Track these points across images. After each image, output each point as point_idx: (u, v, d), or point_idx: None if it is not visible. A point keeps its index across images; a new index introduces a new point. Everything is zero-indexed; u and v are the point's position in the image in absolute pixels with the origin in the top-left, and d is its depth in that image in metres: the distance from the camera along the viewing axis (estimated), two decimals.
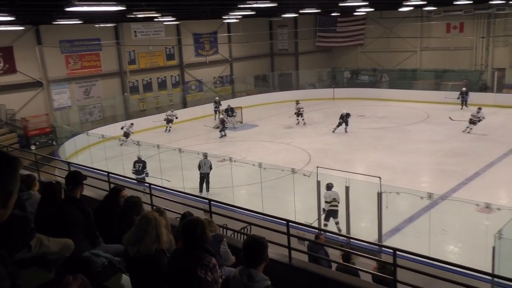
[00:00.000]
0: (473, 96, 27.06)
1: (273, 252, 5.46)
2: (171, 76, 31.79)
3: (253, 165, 13.78)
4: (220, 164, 16.61)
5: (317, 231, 9.80)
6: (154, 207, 7.45)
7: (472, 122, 21.90)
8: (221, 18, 28.84)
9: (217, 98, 29.09)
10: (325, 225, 12.32)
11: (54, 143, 23.45)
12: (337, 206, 12.29)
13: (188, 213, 5.93)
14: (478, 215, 11.23)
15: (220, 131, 24.11)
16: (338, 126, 23.38)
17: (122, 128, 23.11)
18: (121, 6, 13.33)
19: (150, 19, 24.39)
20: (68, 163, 12.57)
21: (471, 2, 26.70)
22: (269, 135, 24.22)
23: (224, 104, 27.89)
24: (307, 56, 37.24)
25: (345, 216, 11.74)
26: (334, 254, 8.53)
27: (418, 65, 34.18)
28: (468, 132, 21.82)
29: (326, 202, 12.31)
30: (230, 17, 27.37)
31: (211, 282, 3.74)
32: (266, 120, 27.55)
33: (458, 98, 27.32)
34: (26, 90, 24.75)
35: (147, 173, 16.36)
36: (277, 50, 38.02)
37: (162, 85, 31.30)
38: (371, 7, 27.49)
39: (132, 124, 23.51)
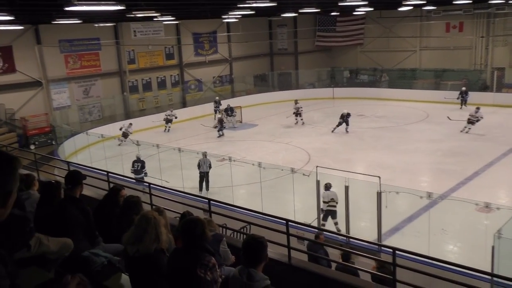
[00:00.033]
0: (473, 96, 27.05)
1: (272, 251, 5.46)
2: (171, 75, 31.78)
3: (253, 164, 13.78)
4: (219, 163, 16.61)
5: (316, 230, 9.80)
6: (154, 207, 7.45)
7: (471, 122, 21.89)
8: (220, 17, 28.84)
9: (217, 98, 29.08)
10: (323, 225, 12.32)
11: (54, 142, 23.45)
12: (335, 206, 12.27)
13: (187, 213, 5.92)
14: (478, 215, 11.24)
15: (218, 131, 24.11)
16: (338, 125, 23.34)
17: (120, 129, 23.08)
18: (121, 6, 13.32)
19: (150, 18, 24.38)
20: (68, 163, 12.57)
21: (470, 1, 26.70)
22: (269, 134, 24.22)
23: (224, 104, 27.89)
24: (307, 55, 37.24)
25: (344, 216, 11.74)
26: (334, 254, 8.53)
27: (417, 65, 34.18)
28: (466, 132, 21.81)
29: (324, 202, 12.31)
30: (230, 16, 27.36)
31: (210, 282, 3.74)
32: (265, 119, 27.55)
33: (458, 98, 27.32)
34: (25, 89, 24.74)
35: (145, 173, 16.38)
36: (276, 50, 38.02)
37: (162, 84, 31.30)
38: (370, 7, 27.48)
39: (130, 124, 23.47)
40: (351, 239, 10.32)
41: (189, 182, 16.04)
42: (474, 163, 17.53)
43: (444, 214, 12.23)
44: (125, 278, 4.27)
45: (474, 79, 30.96)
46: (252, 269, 3.71)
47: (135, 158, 16.70)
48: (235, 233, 9.00)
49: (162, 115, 26.28)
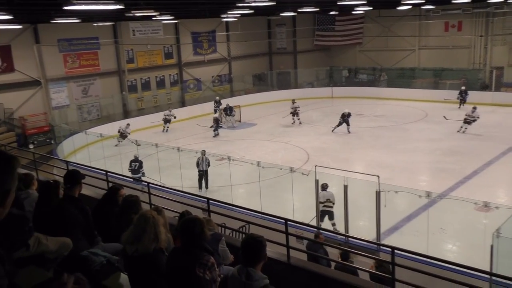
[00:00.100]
0: (472, 95, 27.05)
1: (271, 251, 5.46)
2: (170, 75, 31.76)
3: (252, 164, 13.78)
4: (218, 163, 16.62)
5: (315, 230, 9.80)
6: (153, 206, 7.44)
7: (467, 121, 21.86)
8: (219, 17, 28.82)
9: (217, 97, 29.02)
10: (319, 225, 12.31)
11: (52, 142, 23.43)
12: (331, 207, 12.25)
13: (186, 212, 5.92)
14: (476, 214, 11.26)
15: (214, 130, 24.09)
16: (338, 125, 23.26)
17: (119, 131, 22.99)
18: (120, 5, 13.32)
19: (149, 18, 24.36)
20: (66, 162, 12.59)
21: (469, 1, 26.73)
22: (268, 134, 24.22)
23: (223, 104, 27.87)
24: (306, 54, 37.23)
25: (343, 215, 11.74)
26: (333, 253, 8.53)
27: (416, 64, 34.20)
28: (463, 132, 21.79)
29: (320, 202, 12.28)
30: (229, 16, 27.34)
31: (209, 281, 3.74)
32: (264, 119, 27.55)
33: (458, 98, 27.31)
34: (24, 89, 24.71)
35: (143, 173, 16.40)
36: (275, 49, 38.01)
37: (161, 84, 31.28)
38: (369, 6, 27.49)
39: (128, 124, 23.36)
40: (350, 239, 10.31)
41: (188, 182, 16.05)
42: (473, 162, 17.55)
43: (443, 213, 12.23)
44: (124, 277, 4.27)
45: (473, 78, 30.99)
46: (251, 268, 3.72)
47: (132, 158, 16.73)
48: (234, 232, 9.00)
49: (161, 115, 26.21)
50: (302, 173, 12.55)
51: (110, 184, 8.20)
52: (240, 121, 27.15)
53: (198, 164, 16.00)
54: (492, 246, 7.91)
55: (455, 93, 27.72)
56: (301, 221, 7.94)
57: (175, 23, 30.05)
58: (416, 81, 33.01)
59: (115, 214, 5.51)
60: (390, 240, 11.28)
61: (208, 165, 16.05)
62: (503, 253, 7.97)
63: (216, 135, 24.07)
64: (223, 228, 8.84)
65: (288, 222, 6.43)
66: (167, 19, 25.72)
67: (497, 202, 11.04)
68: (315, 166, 12.09)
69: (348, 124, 23.08)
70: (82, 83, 27.42)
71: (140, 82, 30.20)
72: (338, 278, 5.55)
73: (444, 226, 12.07)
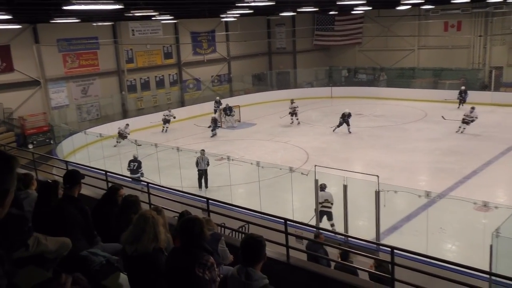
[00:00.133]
0: (471, 95, 27.06)
1: (271, 250, 5.46)
2: (169, 74, 31.75)
3: (251, 163, 13.78)
4: (218, 162, 16.62)
5: (315, 230, 9.79)
6: (152, 206, 7.44)
7: (465, 121, 21.83)
8: (219, 16, 28.82)
9: (217, 97, 28.98)
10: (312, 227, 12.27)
11: (52, 142, 23.43)
12: (330, 207, 12.23)
13: (186, 212, 5.92)
14: (476, 214, 11.25)
15: (212, 130, 24.07)
16: (338, 126, 23.18)
17: (119, 132, 22.92)
18: (119, 5, 13.32)
19: (148, 17, 24.35)
20: (66, 162, 12.58)
21: (468, 0, 26.75)
22: (267, 133, 24.23)
23: (223, 103, 27.84)
24: (305, 54, 37.23)
25: (343, 215, 11.74)
26: (332, 253, 8.53)
27: (415, 64, 34.21)
28: (461, 132, 21.77)
29: (319, 202, 12.26)
30: (228, 15, 27.35)
31: (209, 281, 3.74)
32: (264, 118, 27.55)
33: (458, 98, 27.31)
34: (23, 88, 24.69)
35: (142, 173, 16.38)
36: (275, 49, 38.00)
37: (160, 83, 31.27)
38: (369, 6, 27.51)
39: (127, 125, 23.29)
40: (349, 238, 10.31)
41: (187, 181, 16.06)
42: (472, 162, 17.56)
43: (442, 213, 12.24)
44: (123, 277, 4.27)
45: (472, 78, 31.01)
46: (250, 268, 3.72)
47: (132, 158, 16.73)
48: (234, 232, 9.00)
49: (160, 115, 26.19)
50: (302, 173, 12.54)
51: (110, 184, 8.20)
52: (239, 121, 27.15)
53: (197, 164, 16.08)
54: (491, 246, 7.91)
55: (455, 93, 27.72)
56: (300, 221, 7.95)
57: (175, 23, 30.04)
58: (416, 81, 33.02)
59: (114, 214, 5.51)
60: (390, 240, 11.28)
61: (208, 165, 16.14)
62: (503, 252, 7.97)
63: (214, 135, 24.05)
64: (222, 228, 8.84)
65: (288, 222, 6.44)
66: (166, 19, 25.72)
67: (497, 202, 11.05)
68: (315, 166, 12.08)
69: (348, 125, 23.03)
70: (82, 83, 27.41)
71: (139, 82, 30.19)
72: (337, 278, 5.55)
73: (443, 226, 12.07)
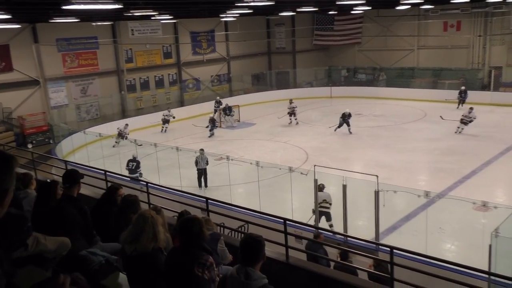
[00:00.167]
0: (471, 95, 27.07)
1: (270, 250, 5.46)
2: (169, 74, 31.74)
3: (251, 163, 13.77)
4: (217, 162, 16.62)
5: (314, 229, 9.79)
6: (151, 206, 7.44)
7: (463, 122, 21.79)
8: (218, 16, 28.82)
9: (218, 97, 28.93)
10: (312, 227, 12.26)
11: (51, 141, 23.42)
12: (328, 208, 12.22)
13: (185, 212, 5.92)
14: (475, 213, 11.25)
15: (210, 130, 24.04)
16: (339, 126, 23.06)
17: (119, 133, 22.86)
18: (118, 5, 13.32)
19: (147, 17, 24.35)
20: (65, 162, 12.58)
21: (468, 0, 26.75)
22: (267, 133, 24.23)
23: (223, 103, 27.84)
24: (305, 54, 37.23)
25: (342, 215, 11.74)
26: (332, 253, 8.53)
27: (415, 64, 34.21)
28: (460, 132, 21.74)
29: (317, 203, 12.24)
30: (228, 15, 27.35)
31: (208, 281, 3.74)
32: (263, 118, 27.55)
33: (457, 98, 27.30)
34: (22, 88, 24.67)
35: (140, 173, 16.37)
36: (274, 49, 37.99)
37: (160, 83, 31.26)
38: (368, 6, 27.52)
39: (126, 125, 23.20)
40: (348, 238, 10.31)
41: (186, 181, 16.06)
42: (471, 162, 17.56)
43: (441, 213, 12.24)
44: (122, 277, 4.27)
45: (471, 78, 31.02)
46: (249, 268, 3.72)
47: (131, 157, 16.73)
48: (233, 232, 8.99)
49: (159, 115, 26.19)
50: (301, 173, 12.53)
51: (109, 184, 8.19)
52: (239, 121, 27.15)
53: (196, 163, 16.14)
54: (490, 246, 7.91)
55: (454, 92, 27.74)
56: (300, 221, 7.95)
57: (174, 22, 30.03)
58: (415, 80, 33.04)
59: (114, 213, 5.51)
60: (389, 240, 11.29)
61: (207, 164, 16.20)
62: (502, 252, 7.97)
63: (212, 135, 24.01)
64: (222, 228, 8.84)
65: (287, 222, 6.44)
66: (166, 18, 25.71)
67: (496, 202, 11.05)
68: (314, 165, 12.07)
69: (348, 125, 22.93)
70: (81, 83, 27.40)
71: (139, 81, 30.18)
72: (337, 277, 5.55)
73: (442, 226, 12.08)
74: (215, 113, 27.03)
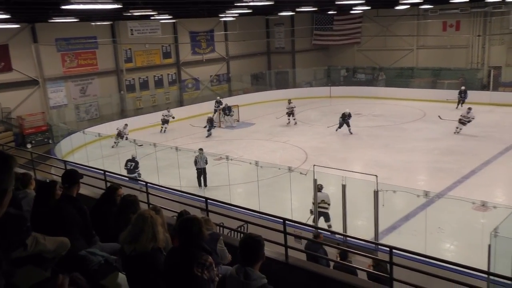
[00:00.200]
0: (470, 95, 27.09)
1: (269, 250, 5.46)
2: (168, 74, 31.74)
3: (250, 163, 13.76)
4: (216, 162, 16.62)
5: (313, 229, 9.79)
6: (151, 206, 7.43)
7: (462, 122, 21.75)
8: (217, 16, 28.81)
9: (218, 97, 28.88)
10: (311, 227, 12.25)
11: (50, 141, 23.40)
12: (326, 208, 12.21)
13: (184, 212, 5.92)
14: (474, 213, 11.26)
15: (208, 130, 24.00)
16: (340, 126, 22.93)
17: (119, 133, 22.81)
18: (118, 4, 13.31)
19: (147, 17, 24.34)
20: (64, 162, 12.56)
21: (467, 0, 26.76)
22: (266, 133, 24.22)
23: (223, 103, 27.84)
24: (304, 54, 37.23)
25: (341, 215, 11.74)
26: (331, 253, 8.54)
27: (414, 63, 34.23)
28: (457, 133, 21.70)
29: (316, 203, 12.23)
30: (227, 15, 27.34)
31: (207, 281, 3.74)
32: (262, 118, 27.55)
33: (458, 98, 27.30)
34: (22, 88, 24.66)
35: (139, 174, 16.35)
36: (273, 48, 37.99)
37: (159, 83, 31.25)
38: (367, 6, 27.55)
39: (126, 125, 23.09)
40: (348, 238, 10.31)
41: (186, 181, 16.05)
42: (471, 162, 17.57)
43: (441, 213, 12.25)
44: (122, 277, 4.27)
45: (471, 78, 31.04)
46: (249, 268, 3.72)
47: (130, 157, 16.73)
48: (232, 232, 8.99)
49: (159, 114, 26.15)
50: (301, 173, 12.53)
51: (108, 184, 8.19)
52: (238, 121, 27.14)
53: (196, 162, 16.18)
54: (489, 246, 7.91)
55: (453, 92, 27.77)
56: (299, 221, 7.95)
57: (173, 22, 30.01)
58: (414, 80, 33.05)
59: (113, 213, 5.51)
60: (388, 240, 11.30)
61: (206, 163, 16.25)
62: (501, 252, 7.97)
63: (209, 135, 23.97)
64: (221, 228, 8.83)
65: (286, 222, 6.43)
66: (165, 18, 25.69)
67: (495, 202, 11.06)
68: (314, 165, 12.07)
69: (348, 126, 22.79)
70: (80, 83, 27.38)
71: (138, 81, 30.17)
72: (336, 277, 5.55)
73: (442, 226, 12.08)
74: (215, 113, 26.99)
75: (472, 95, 27.00)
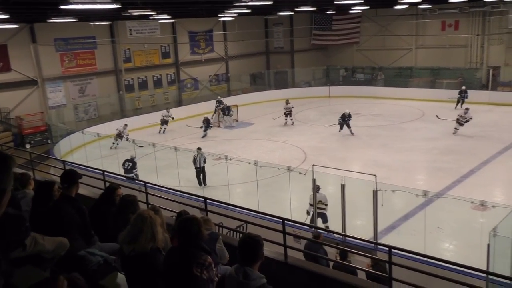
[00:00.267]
0: (470, 94, 27.09)
1: (268, 250, 5.45)
2: (167, 74, 31.73)
3: (249, 163, 13.76)
4: (216, 162, 16.62)
5: (313, 229, 9.79)
6: (150, 206, 7.43)
7: (459, 122, 21.69)
8: (216, 16, 28.81)
9: (219, 97, 28.81)
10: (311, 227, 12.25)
11: (49, 141, 23.37)
12: (324, 209, 12.20)
13: (183, 212, 5.92)
14: (473, 213, 11.27)
15: (204, 131, 23.94)
16: (341, 127, 22.77)
17: (118, 134, 22.75)
18: (116, 4, 13.30)
19: (146, 17, 24.33)
20: (63, 162, 12.55)
21: (466, 0, 26.78)
22: (265, 133, 24.22)
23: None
24: (303, 54, 37.23)
25: (340, 214, 11.74)
26: (331, 253, 8.54)
27: (413, 63, 34.25)
28: (454, 133, 21.65)
29: (310, 204, 12.23)
30: (226, 15, 27.34)
31: (206, 281, 3.74)
32: (261, 118, 27.53)
33: (457, 98, 27.30)
34: (20, 88, 24.64)
35: (136, 174, 16.31)
36: (272, 48, 37.99)
37: (158, 83, 31.25)
38: (366, 5, 27.55)
39: (126, 125, 22.96)
40: (347, 238, 10.31)
41: (185, 181, 16.04)
42: (470, 161, 17.58)
43: (439, 212, 12.26)
44: (121, 277, 4.27)
45: (469, 77, 31.06)
46: (248, 268, 3.71)
47: (128, 157, 16.72)
48: (232, 231, 8.98)
49: (158, 114, 26.10)
50: (300, 173, 12.53)
51: (107, 184, 8.18)
52: (237, 121, 27.13)
53: (194, 162, 16.22)
54: (488, 245, 7.92)
55: (452, 92, 27.78)
56: (298, 221, 7.95)
57: (172, 22, 30.01)
58: (413, 80, 33.06)
59: (112, 213, 5.50)
60: (387, 239, 11.30)
61: (205, 162, 16.31)
62: (500, 252, 7.98)
63: (205, 135, 23.89)
64: (220, 228, 8.83)
65: (286, 222, 6.43)
66: (164, 18, 25.68)
67: (494, 201, 11.06)
68: (313, 165, 12.07)
69: (349, 127, 22.61)
70: (79, 83, 27.37)
71: (137, 81, 30.16)
72: (335, 277, 5.55)
73: (441, 225, 12.09)
74: (215, 112, 26.95)
75: (471, 94, 27.00)
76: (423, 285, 5.30)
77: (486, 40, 31.03)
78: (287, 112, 25.54)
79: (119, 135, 22.15)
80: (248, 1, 17.64)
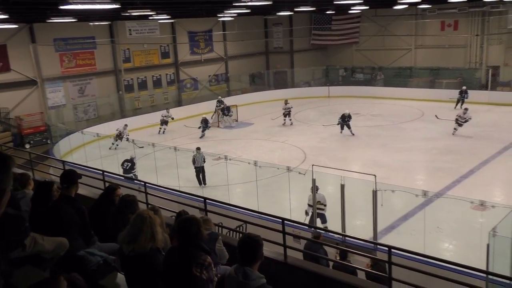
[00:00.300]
0: (469, 94, 27.09)
1: (268, 250, 5.45)
2: (166, 74, 31.73)
3: (249, 163, 13.75)
4: (215, 162, 16.62)
5: (312, 229, 9.79)
6: (149, 206, 7.43)
7: (458, 122, 21.65)
8: (216, 16, 28.81)
9: (220, 97, 28.77)
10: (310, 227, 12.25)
11: (49, 141, 23.35)
12: (323, 209, 12.19)
13: (183, 212, 5.92)
14: (473, 213, 11.28)
15: (202, 131, 23.91)
16: (342, 128, 22.71)
17: (118, 134, 22.70)
18: (116, 4, 13.30)
19: (145, 17, 24.32)
20: (63, 162, 12.55)
21: (465, 0, 26.79)
22: (265, 133, 24.21)
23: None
24: (302, 54, 37.24)
25: (340, 214, 11.73)
26: (330, 253, 8.54)
27: (412, 63, 34.26)
28: (453, 134, 21.65)
29: (309, 205, 12.21)
30: (225, 15, 27.34)
31: (206, 280, 3.74)
32: (261, 118, 27.53)
33: (458, 98, 27.31)
34: (20, 88, 24.63)
35: (135, 175, 16.31)
36: (272, 48, 37.99)
37: (157, 83, 31.24)
38: (366, 5, 27.56)
39: (126, 125, 22.90)
40: (347, 238, 10.31)
41: (184, 181, 16.04)
42: (469, 161, 17.58)
43: (439, 212, 12.26)
44: (120, 277, 4.27)
45: (469, 77, 31.06)
46: (248, 268, 3.71)
47: (128, 158, 16.71)
48: (231, 231, 8.98)
49: (157, 114, 26.07)
50: (299, 173, 12.52)
51: (107, 184, 8.18)
52: (237, 121, 27.12)
53: (194, 161, 16.24)
54: (488, 245, 7.92)
55: (451, 92, 27.77)
56: (298, 221, 7.95)
57: (172, 22, 30.00)
58: (413, 80, 33.06)
59: (112, 213, 5.50)
60: (387, 239, 11.30)
61: (204, 161, 16.33)
62: (499, 251, 7.98)
63: (203, 136, 23.84)
64: (220, 228, 8.83)
65: (285, 222, 6.43)
66: (163, 18, 25.68)
67: (493, 201, 11.06)
68: (312, 165, 12.07)
69: (349, 127, 22.56)
70: (79, 83, 27.36)
71: (136, 81, 30.15)
72: (335, 277, 5.55)
73: (440, 225, 12.09)
74: (214, 112, 26.93)
75: (470, 94, 27.00)
76: (423, 285, 5.30)
77: (486, 40, 31.05)
78: (286, 112, 25.52)
79: (119, 136, 22.10)
80: (248, 1, 17.65)
